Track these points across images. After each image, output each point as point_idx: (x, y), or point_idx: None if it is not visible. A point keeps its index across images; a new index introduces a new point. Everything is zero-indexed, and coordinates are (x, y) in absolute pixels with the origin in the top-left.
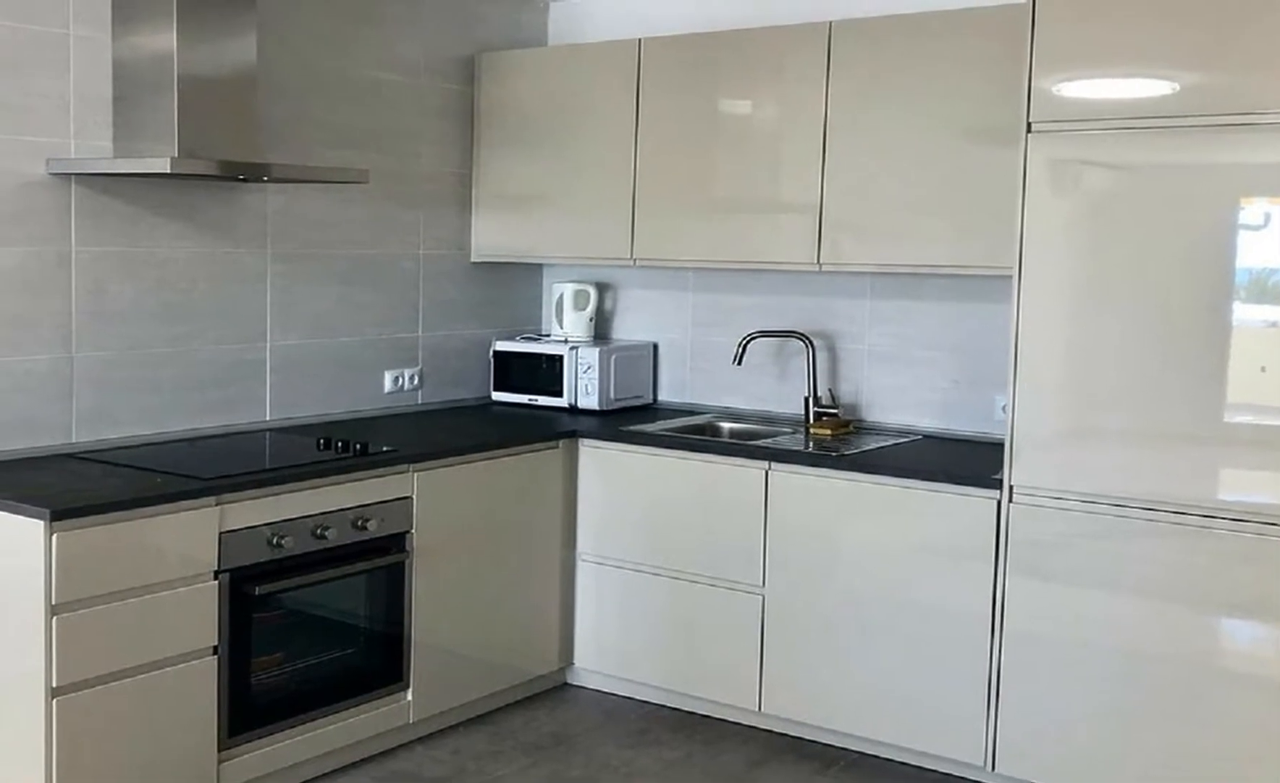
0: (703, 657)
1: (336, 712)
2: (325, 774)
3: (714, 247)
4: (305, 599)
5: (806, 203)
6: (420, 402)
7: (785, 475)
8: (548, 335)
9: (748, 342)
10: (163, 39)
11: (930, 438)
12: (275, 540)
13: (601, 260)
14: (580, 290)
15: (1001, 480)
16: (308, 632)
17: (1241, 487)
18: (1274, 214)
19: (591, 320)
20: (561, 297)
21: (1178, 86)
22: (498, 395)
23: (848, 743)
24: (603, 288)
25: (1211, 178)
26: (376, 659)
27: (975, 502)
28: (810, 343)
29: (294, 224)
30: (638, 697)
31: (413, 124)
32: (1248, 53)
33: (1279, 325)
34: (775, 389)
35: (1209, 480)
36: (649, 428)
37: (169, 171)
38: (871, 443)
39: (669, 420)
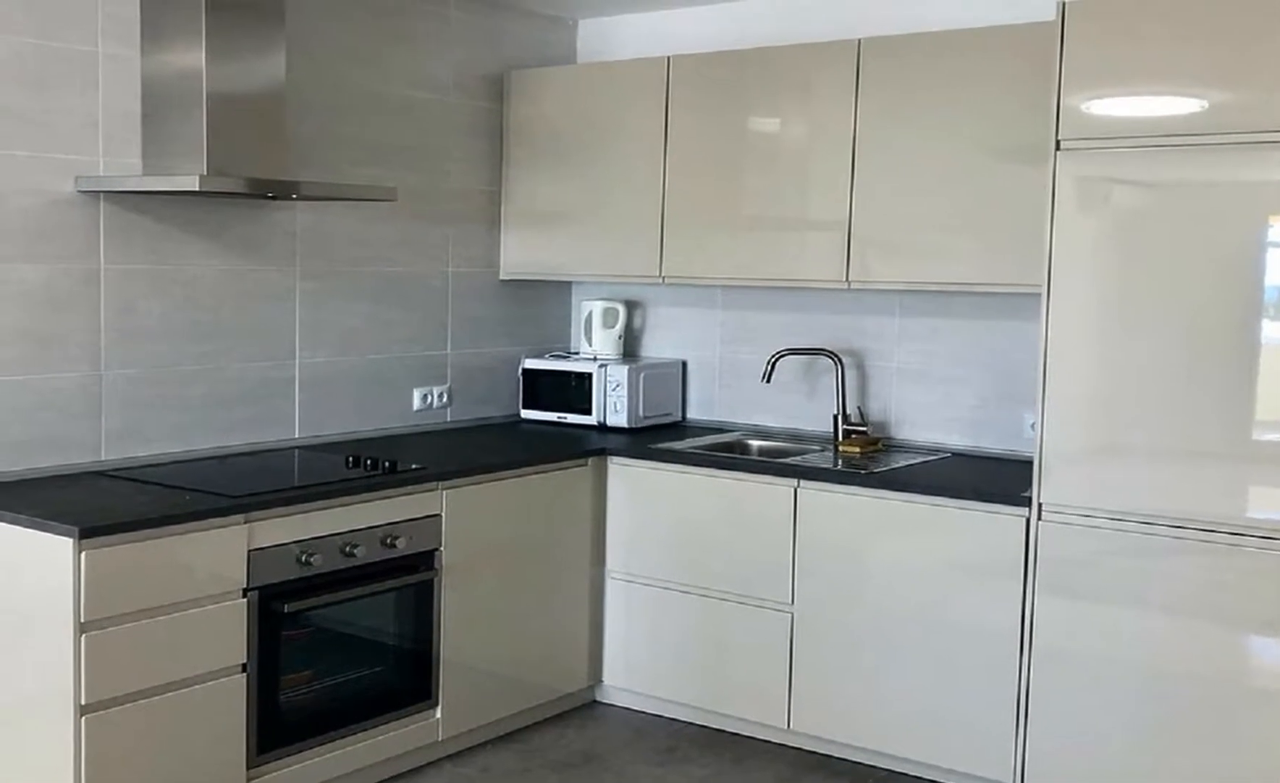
0: (732, 674)
1: (365, 730)
2: None
3: (743, 264)
4: (334, 617)
5: (835, 220)
6: (449, 419)
7: (814, 493)
8: (577, 353)
9: (777, 359)
10: (192, 56)
11: (959, 456)
12: (304, 558)
13: (630, 278)
14: (609, 308)
15: (1030, 498)
16: (336, 649)
17: (1270, 504)
18: None
19: (620, 338)
20: (590, 314)
21: (1206, 104)
22: (527, 413)
23: (877, 761)
24: (632, 306)
25: (1240, 195)
26: (405, 677)
27: (1004, 520)
28: (839, 360)
29: (323, 242)
30: (667, 715)
31: (442, 141)
32: (1276, 70)
33: None
34: (804, 407)
35: (1237, 498)
36: (678, 446)
37: (198, 189)
38: (900, 461)
39: (698, 438)
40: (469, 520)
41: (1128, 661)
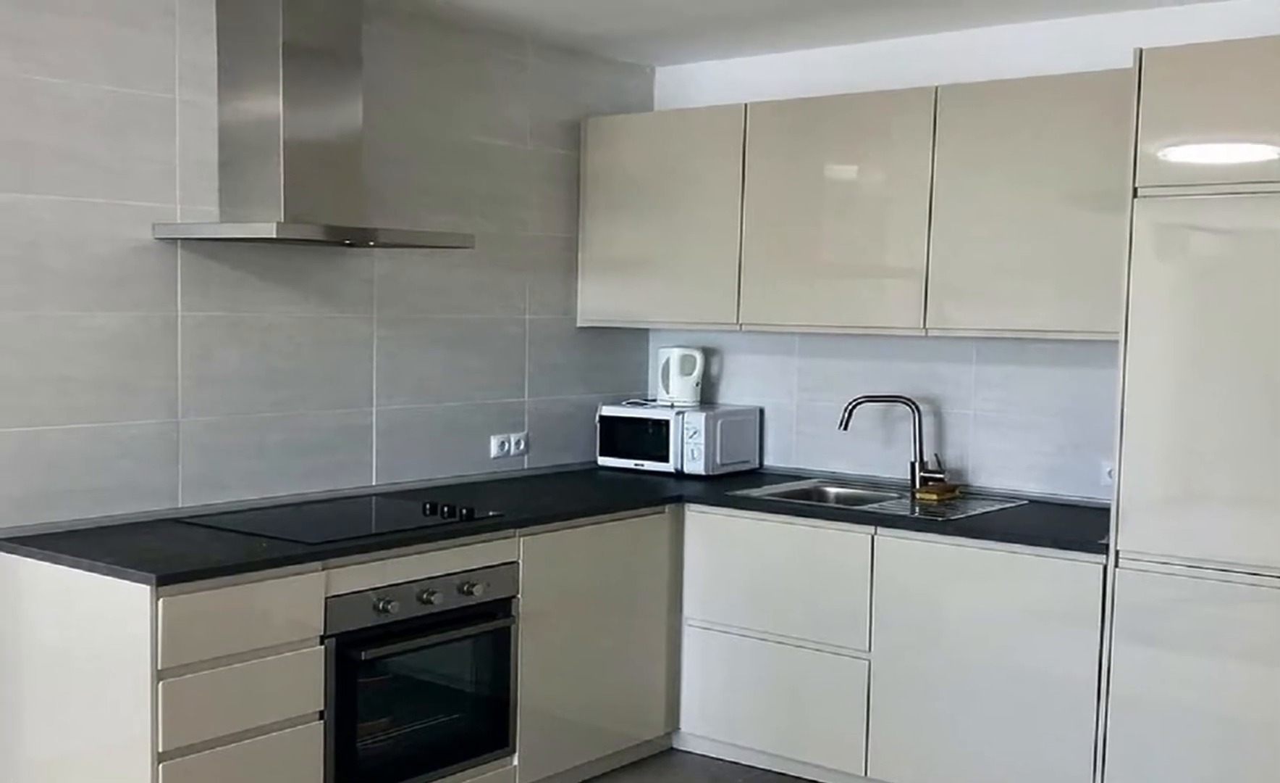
0: (809, 722)
1: (442, 777)
2: None
3: (820, 312)
4: (411, 664)
5: (912, 268)
6: (526, 466)
7: (891, 540)
8: (654, 400)
9: (854, 406)
10: (269, 104)
11: (1036, 503)
12: (381, 605)
13: (707, 325)
14: (686, 355)
15: (1107, 546)
16: (414, 696)
17: None
18: None
19: (697, 385)
20: (668, 361)
21: None
22: (604, 460)
23: None
24: (709, 353)
25: None
26: (483, 724)
27: (1081, 567)
28: (916, 408)
29: (400, 289)
30: (744, 761)
31: (519, 189)
32: None
33: None
34: (881, 454)
35: None
36: (755, 493)
37: (275, 237)
38: (977, 508)
39: (775, 485)
40: (546, 568)
41: (1205, 708)
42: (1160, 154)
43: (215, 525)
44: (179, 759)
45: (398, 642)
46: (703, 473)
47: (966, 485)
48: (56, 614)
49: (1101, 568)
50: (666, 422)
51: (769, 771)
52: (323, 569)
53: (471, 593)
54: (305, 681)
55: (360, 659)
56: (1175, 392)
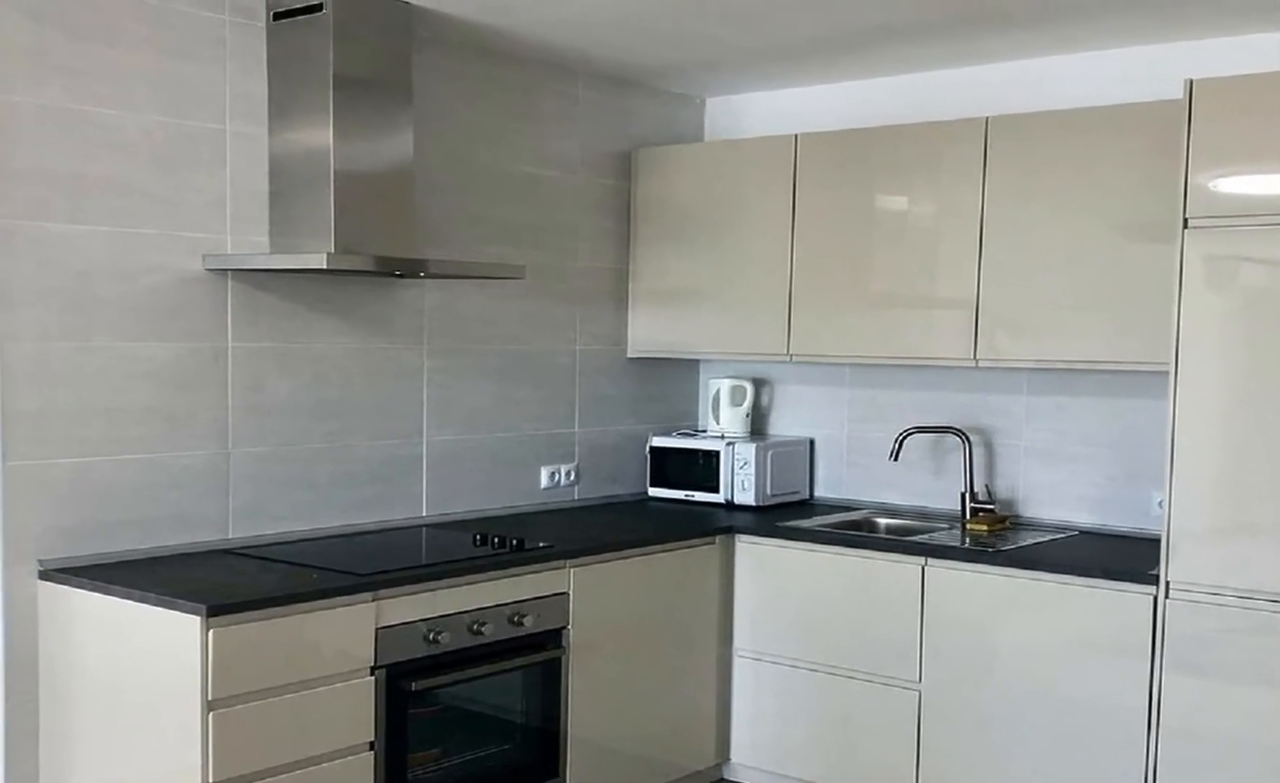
0: (860, 752)
1: None
2: None
3: (870, 342)
4: (462, 695)
5: (963, 298)
6: (576, 497)
7: (942, 571)
8: (704, 431)
9: (904, 437)
10: (319, 135)
11: (1087, 534)
12: (431, 636)
13: (758, 356)
14: (737, 386)
15: (1158, 576)
16: (464, 727)
17: None
18: None
19: (748, 416)
20: (718, 392)
21: None
22: (654, 491)
23: None
24: (759, 383)
25: None
26: (533, 755)
27: (1131, 598)
28: (967, 438)
29: (450, 320)
30: None
31: (569, 219)
32: None
33: None
34: (932, 485)
35: None
36: (805, 524)
37: (325, 268)
38: (1028, 539)
39: (825, 516)
40: (597, 598)
41: (1256, 740)
42: (1211, 185)
43: (265, 556)
44: None
45: (448, 673)
46: (753, 504)
47: (1017, 516)
48: (108, 645)
49: (1152, 599)
50: (717, 452)
51: None
52: (373, 600)
53: (522, 624)
54: (356, 711)
55: (411, 690)
56: (1226, 422)
